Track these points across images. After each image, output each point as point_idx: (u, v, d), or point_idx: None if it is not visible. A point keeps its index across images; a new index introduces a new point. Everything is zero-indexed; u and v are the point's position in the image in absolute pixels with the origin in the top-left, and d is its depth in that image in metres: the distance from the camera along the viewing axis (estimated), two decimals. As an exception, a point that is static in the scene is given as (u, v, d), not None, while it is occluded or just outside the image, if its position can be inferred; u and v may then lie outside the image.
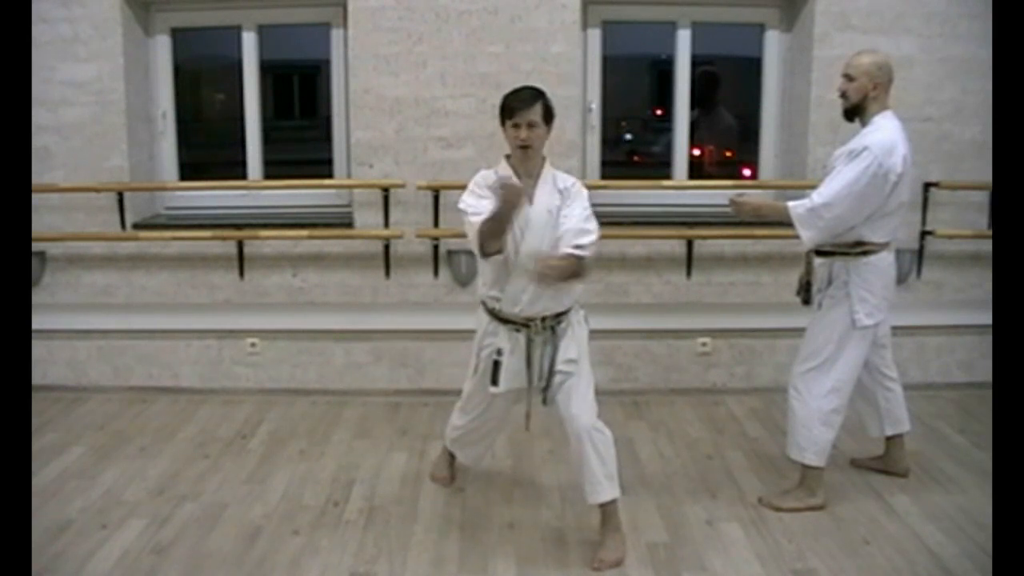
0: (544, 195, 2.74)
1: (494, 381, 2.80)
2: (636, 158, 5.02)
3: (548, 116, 2.72)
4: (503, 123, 2.73)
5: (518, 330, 2.77)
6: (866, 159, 2.84)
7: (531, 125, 2.67)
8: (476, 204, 2.66)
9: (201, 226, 4.14)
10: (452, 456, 3.27)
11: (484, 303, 2.85)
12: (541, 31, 3.96)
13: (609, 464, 2.76)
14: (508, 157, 2.78)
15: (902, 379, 3.32)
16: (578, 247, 2.64)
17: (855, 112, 3.01)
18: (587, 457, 2.73)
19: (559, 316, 2.79)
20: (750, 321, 4.22)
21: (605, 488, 2.76)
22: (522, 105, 2.68)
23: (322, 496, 3.24)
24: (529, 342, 2.77)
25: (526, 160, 2.73)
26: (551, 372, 2.78)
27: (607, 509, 2.81)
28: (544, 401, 2.81)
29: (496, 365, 2.79)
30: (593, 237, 2.69)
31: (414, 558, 2.81)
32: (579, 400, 2.76)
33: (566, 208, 2.73)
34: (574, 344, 2.81)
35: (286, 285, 4.21)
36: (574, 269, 2.60)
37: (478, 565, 2.77)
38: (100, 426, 3.90)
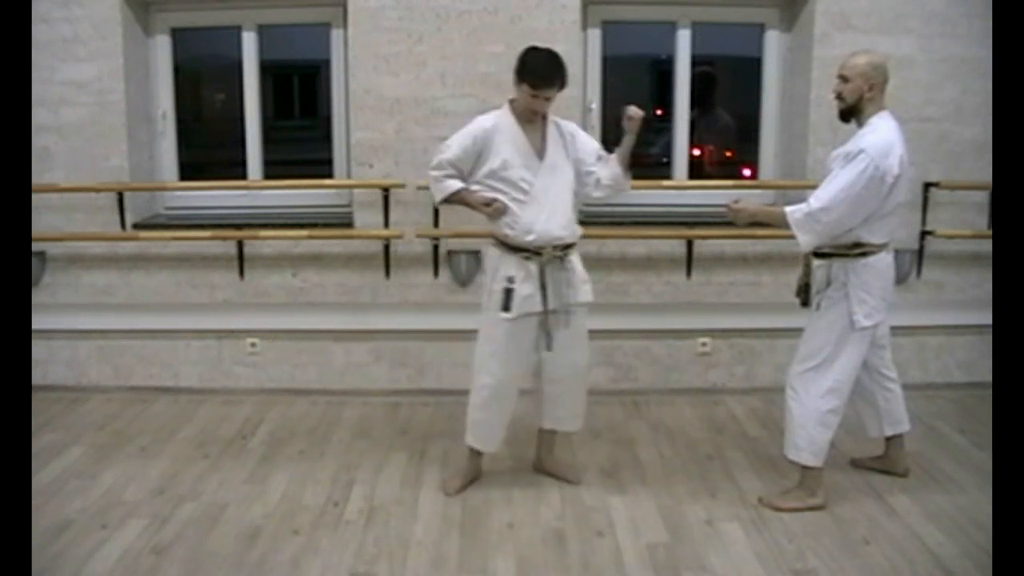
0: (553, 146, 3.07)
1: (506, 307, 3.03)
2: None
3: (563, 86, 3.01)
4: (520, 83, 2.95)
5: (528, 258, 3.03)
6: (862, 162, 2.84)
7: (548, 99, 2.97)
8: (455, 158, 3.02)
9: (201, 226, 4.14)
10: (473, 464, 3.32)
11: (494, 236, 3.12)
12: (541, 31, 3.95)
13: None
14: (512, 102, 3.04)
15: (902, 379, 3.32)
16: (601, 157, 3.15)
17: (851, 113, 3.00)
18: (578, 393, 3.28)
19: (566, 248, 3.09)
20: (750, 321, 4.22)
21: (579, 420, 3.35)
22: (546, 83, 2.93)
23: (322, 496, 3.24)
24: (541, 270, 3.04)
25: (533, 118, 3.03)
26: (568, 304, 3.09)
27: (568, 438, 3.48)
28: (565, 324, 3.11)
29: (508, 292, 3.03)
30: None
31: (414, 558, 2.81)
32: (581, 344, 3.20)
33: (577, 144, 3.13)
34: (586, 286, 3.15)
35: (286, 285, 4.21)
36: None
37: (478, 565, 2.77)
38: (100, 426, 3.91)
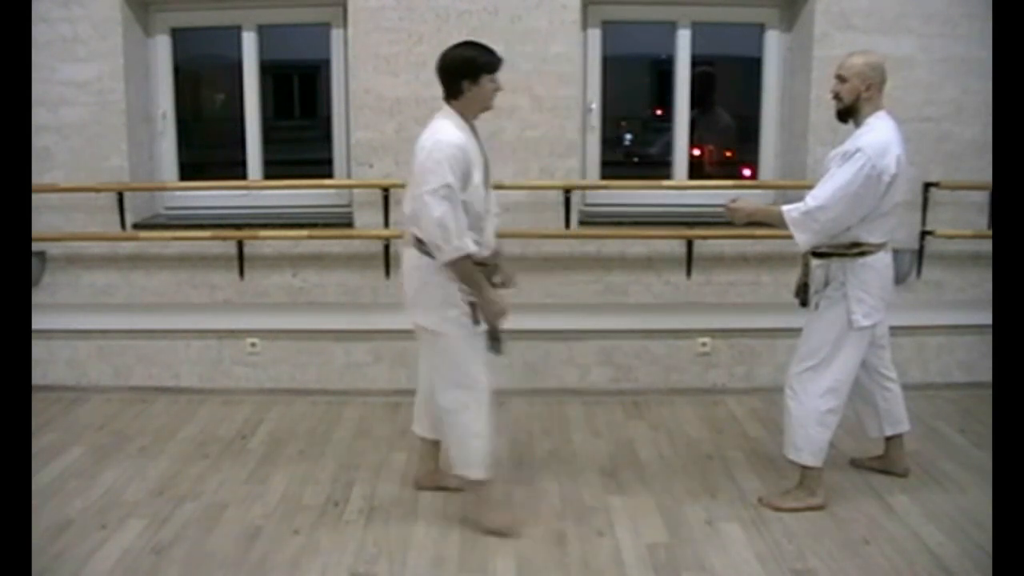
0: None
1: (477, 320, 2.85)
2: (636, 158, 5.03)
3: None
4: (477, 78, 2.80)
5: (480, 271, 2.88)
6: (859, 161, 2.84)
7: None
8: (456, 201, 2.69)
9: (201, 226, 4.14)
10: (493, 492, 3.06)
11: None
12: (541, 31, 3.95)
13: None
14: (457, 107, 2.85)
15: (902, 379, 3.32)
16: None
17: (848, 113, 3.00)
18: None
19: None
20: (750, 321, 4.22)
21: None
22: (500, 63, 2.83)
23: (322, 496, 3.24)
24: (490, 279, 2.92)
25: (475, 119, 2.89)
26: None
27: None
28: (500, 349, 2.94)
29: (474, 306, 2.83)
30: None
31: (414, 558, 2.81)
32: None
33: None
34: None
35: (286, 285, 4.21)
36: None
37: (478, 565, 2.77)
38: (100, 426, 3.90)
